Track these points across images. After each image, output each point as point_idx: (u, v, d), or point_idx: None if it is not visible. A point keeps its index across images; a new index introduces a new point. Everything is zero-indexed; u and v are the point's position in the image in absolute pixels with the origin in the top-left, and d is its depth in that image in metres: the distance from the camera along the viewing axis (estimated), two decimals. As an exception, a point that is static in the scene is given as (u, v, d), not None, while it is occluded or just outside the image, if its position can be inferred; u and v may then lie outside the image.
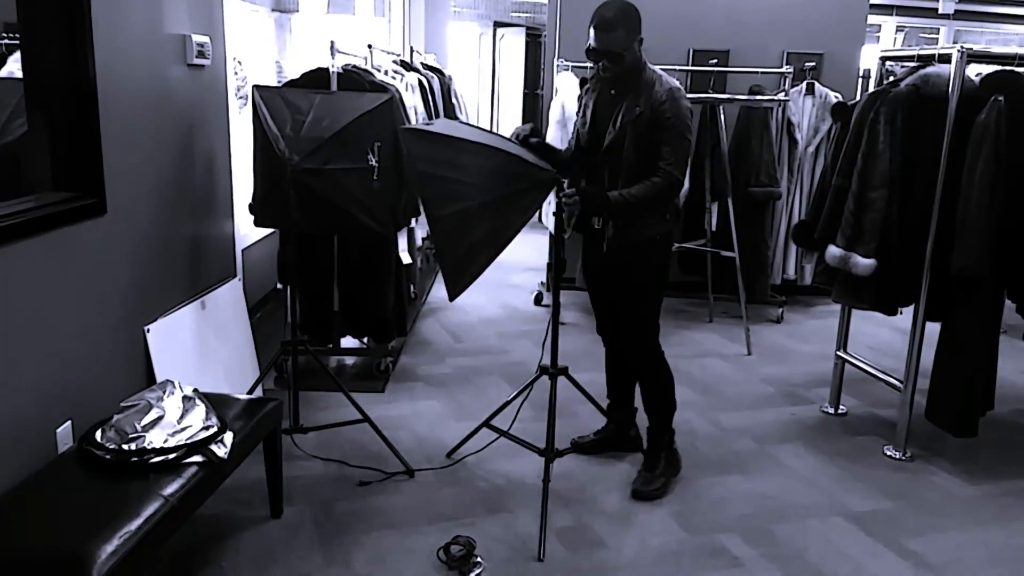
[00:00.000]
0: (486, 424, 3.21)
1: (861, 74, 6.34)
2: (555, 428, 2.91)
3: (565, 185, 2.73)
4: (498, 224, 2.68)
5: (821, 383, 4.13)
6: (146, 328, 2.90)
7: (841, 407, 3.84)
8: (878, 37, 12.18)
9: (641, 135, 2.78)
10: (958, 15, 11.78)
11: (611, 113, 2.86)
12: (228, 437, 2.30)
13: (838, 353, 3.79)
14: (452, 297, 2.69)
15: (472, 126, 2.88)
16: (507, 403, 3.24)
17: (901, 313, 3.42)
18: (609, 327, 3.22)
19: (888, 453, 3.39)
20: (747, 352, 4.65)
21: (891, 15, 12.00)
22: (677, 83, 2.84)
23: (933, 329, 3.29)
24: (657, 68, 2.87)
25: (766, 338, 4.93)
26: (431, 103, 5.73)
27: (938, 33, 12.85)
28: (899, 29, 12.74)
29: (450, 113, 6.62)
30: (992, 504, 3.02)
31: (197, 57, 3.24)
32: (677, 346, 4.65)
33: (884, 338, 4.91)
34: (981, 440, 3.31)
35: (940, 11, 11.31)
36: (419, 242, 5.14)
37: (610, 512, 2.88)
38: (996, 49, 3.22)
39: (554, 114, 5.08)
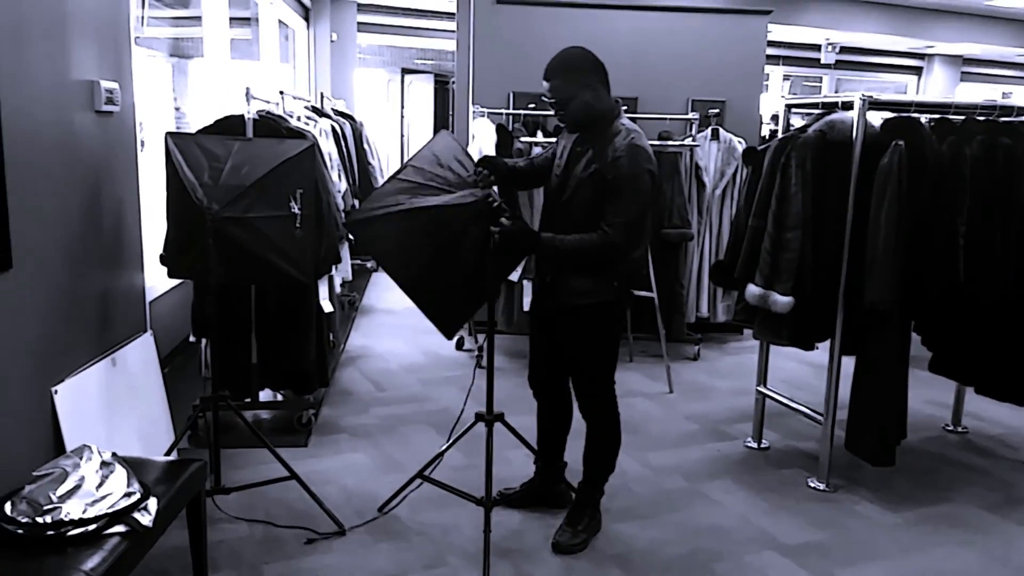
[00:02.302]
0: (420, 475, 3.13)
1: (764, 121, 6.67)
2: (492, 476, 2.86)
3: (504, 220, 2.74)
4: (458, 265, 2.82)
5: (742, 418, 4.22)
6: (54, 389, 2.71)
7: (764, 441, 3.93)
8: (767, 85, 12.85)
9: (594, 193, 2.69)
10: (839, 64, 12.58)
11: (575, 165, 2.78)
12: (152, 504, 2.16)
13: (759, 388, 3.89)
14: (448, 337, 3.02)
15: (399, 179, 2.88)
16: (440, 453, 3.17)
17: (817, 348, 3.55)
18: (543, 378, 3.11)
19: (812, 485, 3.48)
20: (669, 390, 4.72)
21: (778, 64, 12.71)
22: (644, 141, 2.71)
23: (848, 362, 3.42)
24: (629, 123, 2.76)
25: (685, 376, 5.02)
26: (344, 149, 5.68)
27: (821, 82, 13.67)
28: (786, 78, 13.49)
29: (362, 158, 6.59)
30: (913, 531, 3.13)
31: (106, 104, 3.11)
32: (600, 387, 4.69)
33: (794, 372, 5.08)
34: (897, 468, 3.45)
35: (823, 61, 12.05)
36: (337, 289, 5.03)
37: (550, 561, 2.84)
38: (894, 96, 3.42)
39: (471, 159, 5.09)
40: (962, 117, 3.41)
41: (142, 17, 4.98)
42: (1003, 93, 14.68)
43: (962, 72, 13.77)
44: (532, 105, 5.43)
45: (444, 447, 3.19)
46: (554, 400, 3.12)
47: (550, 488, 3.22)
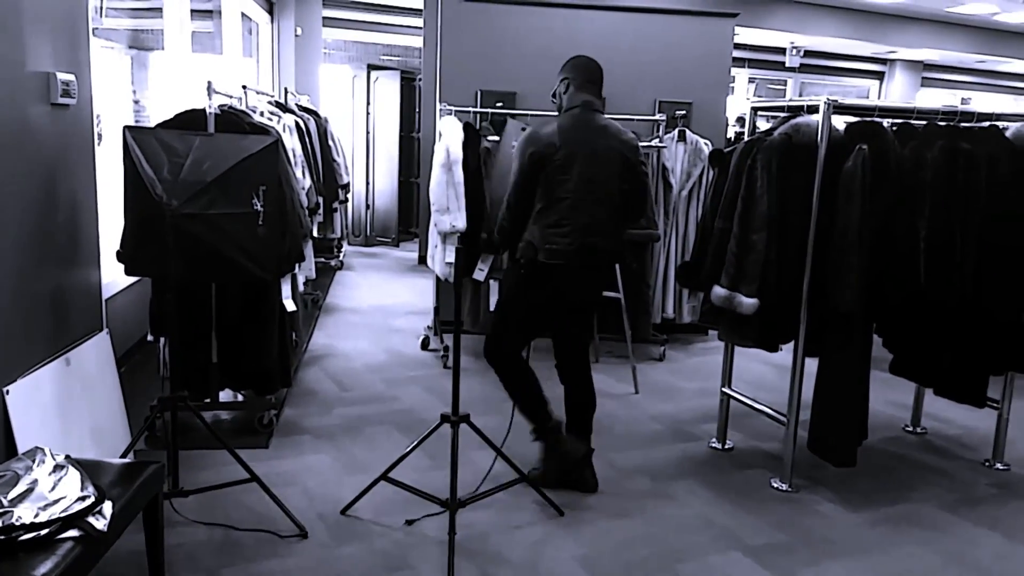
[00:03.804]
0: (384, 477, 3.09)
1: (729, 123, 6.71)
2: (457, 477, 2.83)
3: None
4: None
5: (707, 419, 4.25)
6: (5, 390, 2.63)
7: (728, 442, 3.95)
8: (733, 88, 12.97)
9: None
10: (803, 68, 12.75)
11: None
12: (107, 507, 2.09)
13: (723, 390, 3.91)
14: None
15: None
16: (405, 455, 3.13)
17: (781, 349, 3.57)
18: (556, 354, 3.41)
19: (775, 485, 3.51)
20: (635, 391, 4.73)
21: (744, 67, 12.84)
22: (549, 127, 3.17)
23: (811, 364, 3.45)
24: (570, 112, 3.24)
25: (651, 376, 5.04)
26: (308, 145, 5.61)
27: (786, 85, 13.83)
28: (751, 80, 13.62)
29: (327, 155, 6.51)
30: (873, 531, 3.17)
31: (62, 96, 3.02)
32: (566, 387, 4.69)
33: (758, 372, 5.12)
34: (859, 469, 3.49)
35: (787, 64, 12.19)
36: (301, 287, 4.97)
37: (515, 563, 2.82)
38: (858, 101, 3.46)
39: (439, 158, 5.04)
40: (924, 122, 3.46)
41: (100, 7, 4.87)
42: (962, 99, 14.98)
43: (923, 77, 14.03)
44: (500, 103, 5.40)
45: (408, 449, 3.16)
46: (564, 378, 3.37)
47: (580, 472, 3.36)
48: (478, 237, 3.15)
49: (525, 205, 3.17)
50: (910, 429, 4.29)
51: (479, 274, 3.68)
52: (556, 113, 3.35)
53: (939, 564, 2.95)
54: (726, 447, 3.93)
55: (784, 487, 3.48)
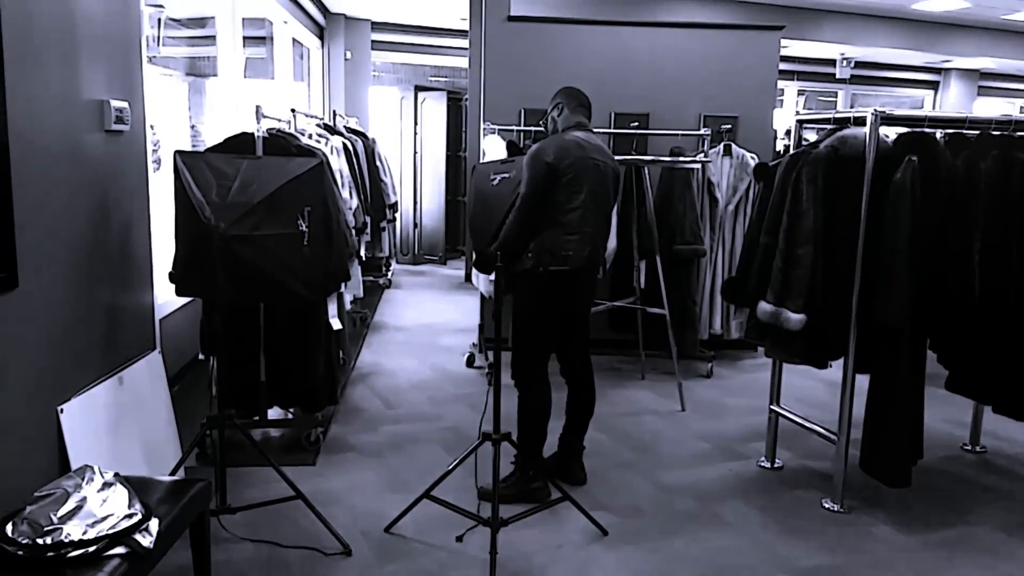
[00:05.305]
0: (426, 495, 3.10)
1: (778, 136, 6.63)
2: (499, 496, 2.82)
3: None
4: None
5: (755, 437, 4.17)
6: (59, 408, 2.71)
7: (777, 461, 3.87)
8: (782, 101, 12.81)
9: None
10: (854, 80, 12.52)
11: None
12: (153, 525, 2.14)
13: (772, 407, 3.84)
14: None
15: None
16: (448, 473, 3.14)
17: (831, 366, 3.49)
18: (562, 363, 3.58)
19: (826, 506, 3.42)
20: (681, 408, 4.67)
21: (793, 80, 12.67)
22: (558, 142, 3.30)
23: (862, 380, 3.36)
24: (575, 134, 3.36)
25: (698, 393, 4.97)
26: (356, 166, 5.69)
27: (836, 96, 13.61)
28: (800, 93, 13.43)
29: (375, 175, 6.60)
30: (930, 555, 3.06)
31: (116, 123, 3.12)
32: (612, 404, 4.65)
33: (808, 389, 5.02)
34: (914, 489, 3.38)
35: (837, 76, 11.99)
36: (348, 306, 5.03)
37: (558, 582, 2.80)
38: (907, 112, 3.38)
39: (482, 176, 5.09)
40: (977, 132, 3.36)
41: (158, 37, 5.02)
42: (1021, 107, 14.55)
43: (979, 86, 13.66)
44: (542, 122, 5.41)
45: (450, 467, 3.16)
46: (569, 380, 3.59)
47: (567, 466, 3.57)
48: (520, 255, 3.29)
49: (539, 214, 3.27)
50: (968, 448, 4.15)
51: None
52: (544, 132, 3.65)
53: (1000, 589, 2.84)
54: (775, 466, 3.85)
55: (835, 508, 3.39)
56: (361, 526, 3.15)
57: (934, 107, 13.69)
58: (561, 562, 2.93)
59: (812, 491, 3.58)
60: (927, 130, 3.28)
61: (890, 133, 3.35)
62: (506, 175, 3.49)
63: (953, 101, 13.37)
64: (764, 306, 3.37)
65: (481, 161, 5.20)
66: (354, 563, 2.88)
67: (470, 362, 5.49)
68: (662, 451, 4.04)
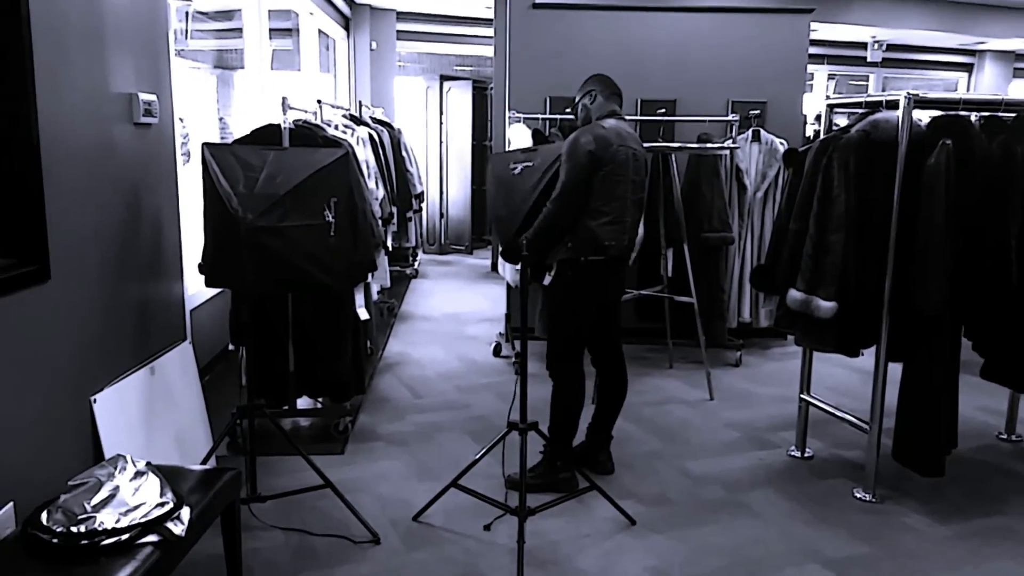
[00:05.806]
0: (454, 484, 3.11)
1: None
2: (526, 485, 2.82)
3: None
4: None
5: (785, 426, 4.13)
6: (93, 398, 2.75)
7: (808, 450, 3.83)
8: (811, 85, 12.61)
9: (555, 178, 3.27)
10: (886, 63, 12.30)
11: None
12: (185, 513, 2.16)
13: (802, 396, 3.79)
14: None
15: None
16: (475, 462, 3.14)
17: (863, 354, 3.44)
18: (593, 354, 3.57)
19: (858, 495, 3.38)
20: (709, 397, 4.64)
21: (823, 64, 12.47)
22: (595, 132, 3.23)
23: (894, 368, 3.31)
24: (608, 123, 3.30)
25: (726, 382, 4.93)
26: (382, 156, 5.71)
27: (867, 80, 13.38)
28: (831, 77, 13.22)
29: (400, 165, 6.61)
30: (964, 544, 3.02)
31: (144, 116, 3.15)
32: (640, 393, 4.63)
33: (839, 378, 4.96)
34: (948, 479, 3.33)
35: (868, 59, 11.78)
36: (374, 296, 5.05)
37: (586, 572, 2.79)
38: (941, 95, 3.31)
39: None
40: (1013, 115, 3.28)
41: (186, 30, 5.06)
42: (1059, 89, 14.20)
43: (1015, 68, 13.35)
44: (568, 109, 5.38)
45: (477, 456, 3.16)
46: (600, 369, 3.61)
47: (595, 455, 3.57)
48: (555, 245, 3.31)
49: (579, 204, 3.22)
50: (1004, 437, 4.08)
51: (547, 279, 3.68)
52: (575, 120, 3.63)
53: (1037, 581, 2.79)
54: (806, 455, 3.81)
55: (867, 497, 3.35)
56: (389, 515, 3.16)
57: (968, 90, 13.41)
58: (588, 551, 2.92)
59: (843, 481, 3.54)
60: (961, 113, 3.21)
61: (923, 117, 3.28)
62: (528, 164, 3.46)
63: (988, 84, 13.08)
64: (794, 294, 3.32)
65: (505, 150, 5.19)
66: (383, 551, 2.90)
67: (497, 351, 5.49)
68: (690, 440, 4.01)
